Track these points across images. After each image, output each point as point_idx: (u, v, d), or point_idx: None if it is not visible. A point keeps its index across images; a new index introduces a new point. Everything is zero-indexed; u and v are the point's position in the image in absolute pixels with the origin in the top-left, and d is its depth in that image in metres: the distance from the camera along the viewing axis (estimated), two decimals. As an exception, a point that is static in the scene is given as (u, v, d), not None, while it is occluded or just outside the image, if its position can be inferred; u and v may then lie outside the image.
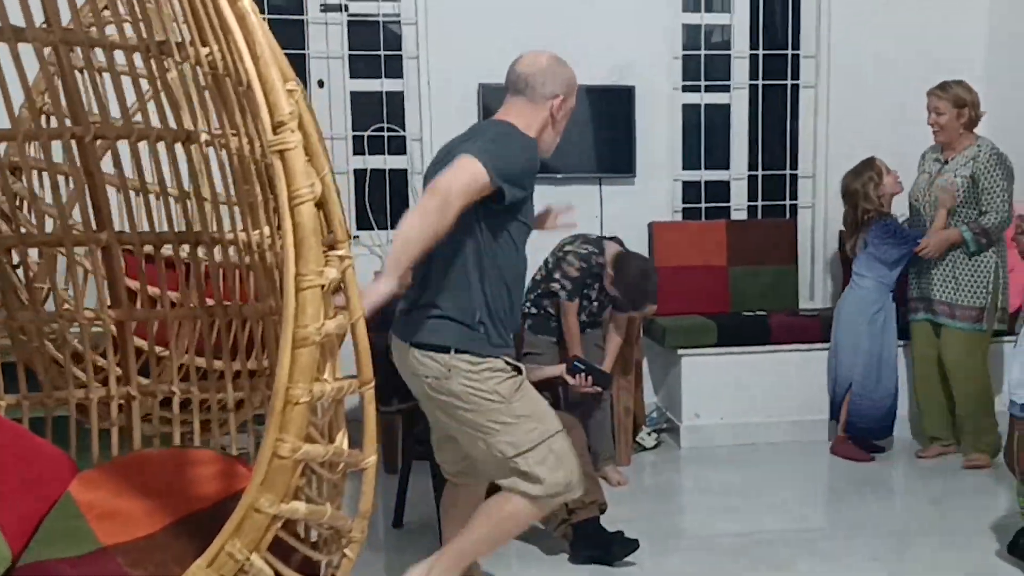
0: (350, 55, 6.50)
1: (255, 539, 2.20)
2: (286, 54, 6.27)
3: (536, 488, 3.32)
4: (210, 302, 3.52)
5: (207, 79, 2.63)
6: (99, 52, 3.28)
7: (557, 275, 5.26)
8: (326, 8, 6.42)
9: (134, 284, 3.75)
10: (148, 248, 3.46)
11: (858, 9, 6.79)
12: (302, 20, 6.42)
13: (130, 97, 3.26)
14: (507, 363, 3.39)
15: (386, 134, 6.53)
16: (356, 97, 6.58)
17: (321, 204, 2.34)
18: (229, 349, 3.51)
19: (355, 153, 6.54)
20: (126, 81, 3.28)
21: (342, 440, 2.41)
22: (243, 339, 3.50)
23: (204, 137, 2.97)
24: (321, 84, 6.47)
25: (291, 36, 6.38)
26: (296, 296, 2.19)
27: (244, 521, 2.19)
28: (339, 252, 2.42)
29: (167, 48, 2.76)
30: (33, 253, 3.81)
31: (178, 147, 3.18)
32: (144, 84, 3.23)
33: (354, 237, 6.45)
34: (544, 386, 5.04)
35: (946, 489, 5.48)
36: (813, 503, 5.47)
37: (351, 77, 6.53)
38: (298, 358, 2.18)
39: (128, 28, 3.05)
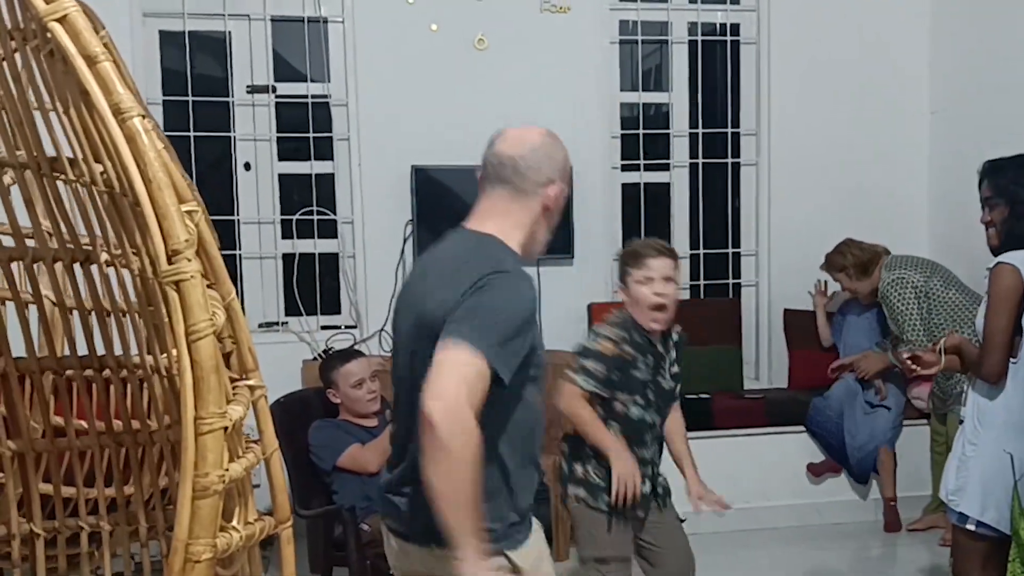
0: (278, 137, 6.32)
1: None
2: (212, 136, 6.11)
3: None
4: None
5: (103, 198, 2.42)
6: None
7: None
8: (253, 90, 6.24)
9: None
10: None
11: (798, 86, 6.73)
12: (228, 102, 6.23)
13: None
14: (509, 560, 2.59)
15: (316, 217, 6.33)
16: (285, 180, 6.39)
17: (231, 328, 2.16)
18: (139, 477, 3.26)
19: (284, 237, 6.34)
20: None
21: (258, 591, 2.20)
22: (154, 465, 3.26)
23: (104, 257, 2.75)
24: (248, 167, 6.27)
25: (218, 118, 6.20)
26: (195, 441, 1.98)
27: None
28: (250, 381, 2.24)
29: (59, 165, 2.56)
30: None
31: (77, 267, 2.94)
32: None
33: (283, 323, 6.26)
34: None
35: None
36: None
37: (279, 159, 6.35)
38: (199, 510, 1.98)
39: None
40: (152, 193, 1.99)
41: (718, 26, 6.87)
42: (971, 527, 3.75)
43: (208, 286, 2.10)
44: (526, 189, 2.64)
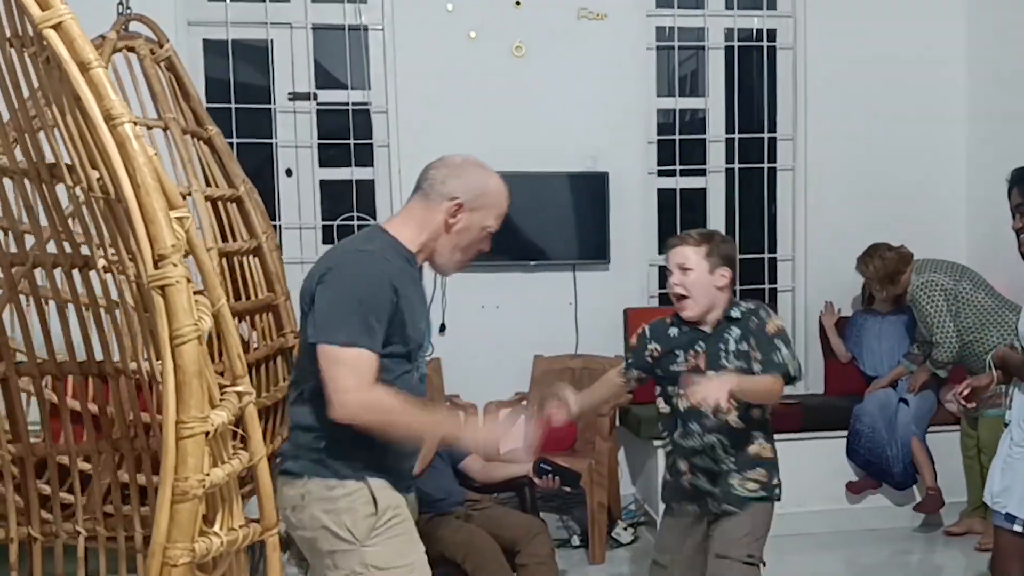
0: (319, 143, 6.41)
1: None
2: (254, 143, 6.20)
3: None
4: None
5: (99, 204, 2.49)
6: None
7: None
8: (294, 96, 6.34)
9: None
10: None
11: (834, 90, 6.69)
12: (270, 109, 6.33)
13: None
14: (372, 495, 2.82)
15: (356, 223, 6.40)
16: (326, 186, 6.48)
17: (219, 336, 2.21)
18: (135, 482, 3.32)
19: (324, 242, 6.40)
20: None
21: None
22: (150, 471, 3.32)
23: (101, 263, 2.81)
24: (289, 173, 6.37)
25: (260, 125, 6.30)
26: (176, 445, 2.03)
27: None
28: (238, 388, 2.29)
29: (58, 172, 2.63)
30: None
31: (75, 273, 3.01)
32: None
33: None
34: (507, 486, 4.86)
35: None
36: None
37: (320, 165, 6.44)
38: (177, 514, 2.00)
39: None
40: (140, 198, 2.02)
41: (754, 32, 6.84)
42: (1019, 528, 3.75)
43: (197, 292, 2.16)
44: (430, 195, 2.91)
